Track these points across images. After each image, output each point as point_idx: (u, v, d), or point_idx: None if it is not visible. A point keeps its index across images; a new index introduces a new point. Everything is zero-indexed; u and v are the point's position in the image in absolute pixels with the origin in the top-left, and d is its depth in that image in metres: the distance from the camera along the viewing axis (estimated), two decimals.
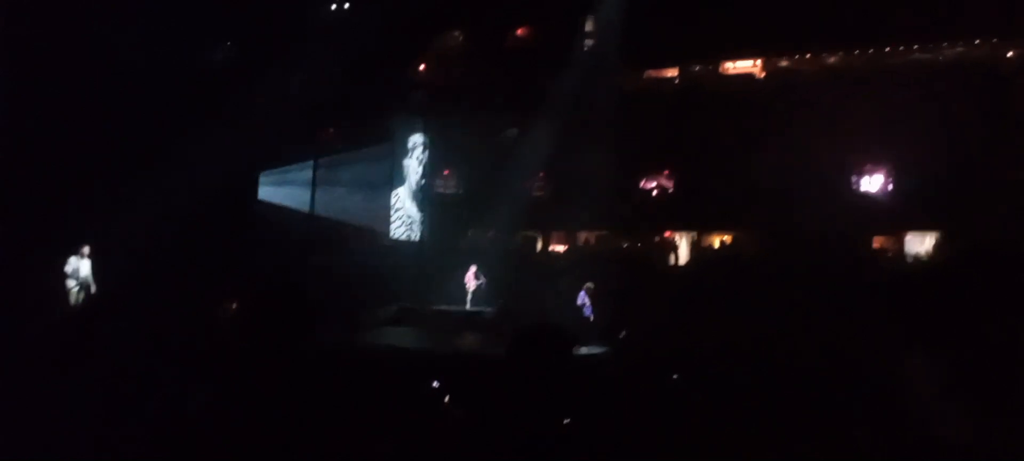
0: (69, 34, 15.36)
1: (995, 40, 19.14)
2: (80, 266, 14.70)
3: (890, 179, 19.39)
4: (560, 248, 23.38)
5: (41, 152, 14.79)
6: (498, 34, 23.52)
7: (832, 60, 22.05)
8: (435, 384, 10.16)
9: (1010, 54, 19.40)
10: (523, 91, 21.64)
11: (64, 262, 14.55)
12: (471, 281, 18.98)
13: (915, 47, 20.77)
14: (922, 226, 18.43)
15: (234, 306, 12.47)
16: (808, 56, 22.31)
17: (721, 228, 21.36)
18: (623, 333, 14.67)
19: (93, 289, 14.63)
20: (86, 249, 14.75)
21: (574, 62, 22.44)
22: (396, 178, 21.87)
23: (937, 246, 17.74)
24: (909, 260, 17.95)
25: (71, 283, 14.51)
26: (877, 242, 19.40)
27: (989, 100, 17.52)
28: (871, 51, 21.17)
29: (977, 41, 19.70)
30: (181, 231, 15.34)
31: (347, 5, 22.50)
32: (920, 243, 18.47)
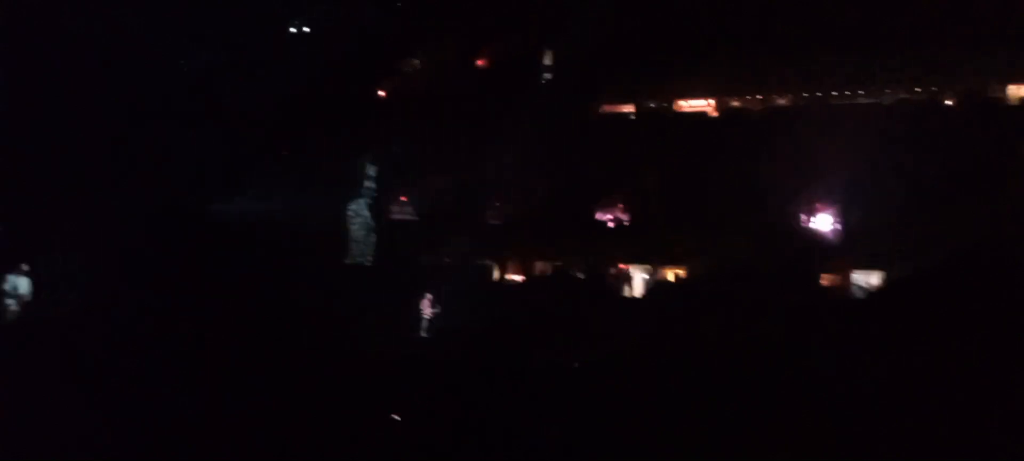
0: (48, 41, 15.21)
1: (937, 87, 20.08)
2: (18, 283, 14.38)
3: (838, 217, 19.97)
4: (517, 277, 23.39)
5: (20, 156, 14.58)
6: (460, 60, 23.71)
7: (782, 101, 22.79)
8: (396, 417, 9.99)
9: (949, 102, 20.35)
10: (481, 119, 21.76)
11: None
12: (427, 309, 18.79)
13: (860, 92, 21.61)
14: (868, 265, 18.98)
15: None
16: (759, 97, 23.03)
17: (676, 262, 21.65)
18: (576, 363, 14.65)
19: (31, 304, 14.25)
20: (25, 266, 14.48)
21: (532, 93, 22.71)
22: (354, 198, 21.70)
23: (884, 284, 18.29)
24: (858, 293, 18.45)
25: (10, 302, 14.12)
26: (825, 280, 19.86)
27: (937, 142, 18.29)
28: (819, 94, 21.97)
29: (918, 89, 20.65)
30: (150, 238, 15.13)
31: (309, 28, 22.48)
32: (867, 280, 19.00)
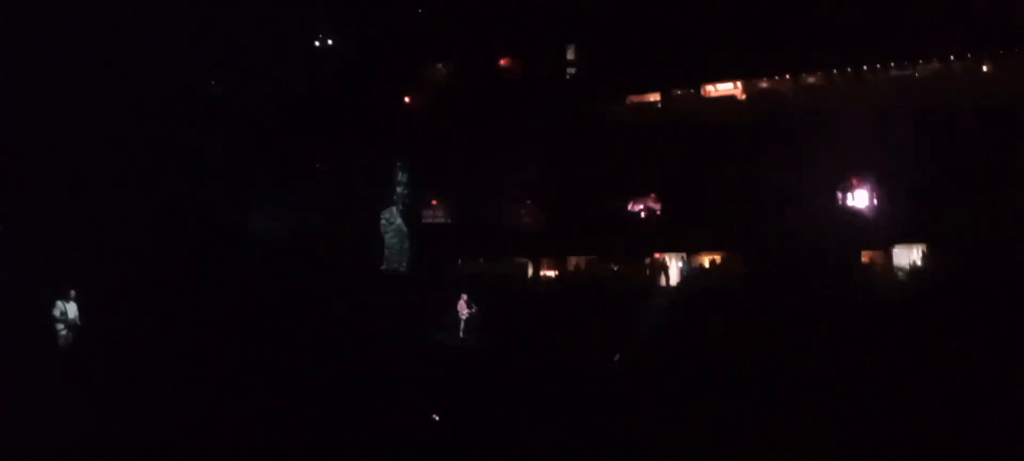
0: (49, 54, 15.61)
1: (970, 56, 19.56)
2: (68, 308, 14.57)
3: (875, 194, 19.59)
4: (551, 273, 23.41)
5: (30, 162, 15.00)
6: (484, 63, 23.76)
7: (811, 80, 22.40)
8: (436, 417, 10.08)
9: (986, 69, 19.82)
10: (509, 120, 21.79)
11: (51, 304, 14.43)
12: (463, 310, 18.93)
13: (892, 65, 21.13)
14: (909, 239, 18.63)
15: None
16: (787, 77, 22.66)
17: (710, 248, 21.47)
18: (617, 356, 14.62)
19: (80, 328, 14.50)
20: (73, 292, 14.67)
21: (559, 90, 22.66)
22: (384, 208, 21.88)
23: (925, 259, 17.97)
24: (899, 274, 18.16)
25: (60, 327, 14.35)
26: (866, 256, 19.55)
27: (968, 113, 17.86)
28: (849, 70, 21.55)
29: (953, 57, 20.13)
30: (165, 249, 15.49)
31: (332, 40, 22.72)
32: (907, 256, 18.68)
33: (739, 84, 23.24)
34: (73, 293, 14.60)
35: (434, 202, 23.98)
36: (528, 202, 23.23)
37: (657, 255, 22.11)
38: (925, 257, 18.13)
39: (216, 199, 16.93)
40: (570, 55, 24.30)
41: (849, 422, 7.06)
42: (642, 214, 23.02)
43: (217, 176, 16.73)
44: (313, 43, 22.83)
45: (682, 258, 22.19)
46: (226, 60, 19.44)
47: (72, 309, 14.60)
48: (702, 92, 23.70)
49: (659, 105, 24.11)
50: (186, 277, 14.93)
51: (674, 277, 21.82)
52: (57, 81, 15.48)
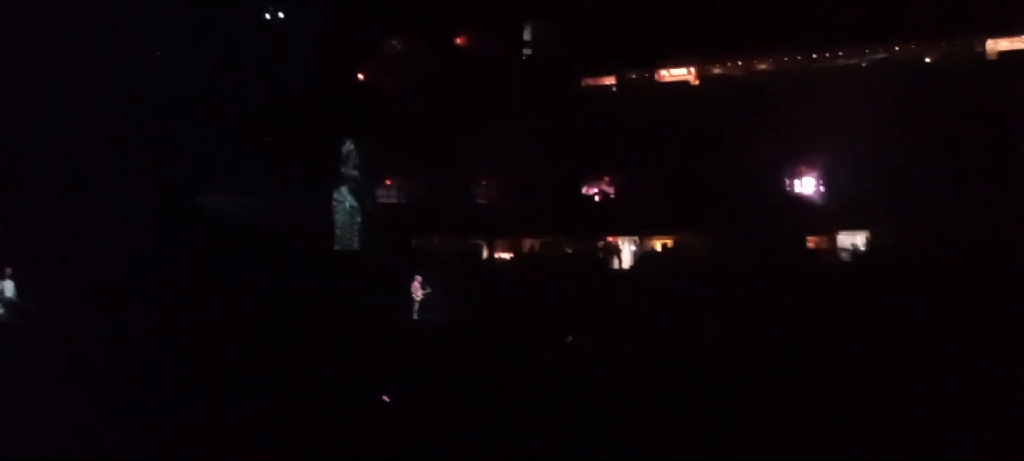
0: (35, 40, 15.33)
1: (918, 43, 20.06)
2: (4, 287, 14.38)
3: (821, 180, 20.01)
4: (506, 255, 23.43)
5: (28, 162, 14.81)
6: (440, 41, 23.52)
7: (762, 66, 22.72)
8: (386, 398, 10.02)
9: (928, 59, 20.37)
10: (464, 99, 21.66)
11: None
12: (418, 291, 18.87)
13: (840, 53, 21.54)
14: (854, 225, 19.13)
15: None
16: (739, 63, 22.93)
17: (662, 231, 21.74)
18: (570, 337, 14.75)
19: (18, 307, 14.29)
20: (8, 270, 14.52)
21: (515, 70, 22.61)
22: (336, 187, 21.63)
23: (869, 245, 18.50)
24: (844, 256, 18.66)
25: None
26: (811, 242, 20.00)
27: (917, 101, 18.34)
28: (798, 57, 21.92)
29: (897, 47, 20.62)
30: (136, 234, 15.31)
31: (283, 13, 22.19)
32: (850, 241, 19.20)
33: (692, 70, 23.42)
34: (8, 271, 14.44)
35: (388, 182, 23.76)
36: (484, 183, 23.19)
37: (610, 238, 22.31)
38: (868, 242, 18.68)
39: (198, 190, 16.77)
40: (527, 35, 24.21)
41: (825, 412, 7.17)
42: (596, 197, 23.19)
43: (200, 167, 16.53)
44: (263, 17, 22.29)
45: (635, 242, 22.44)
46: (205, 50, 19.03)
47: (9, 287, 14.43)
48: (656, 77, 23.86)
49: (614, 88, 24.24)
50: (174, 271, 14.88)
51: (627, 260, 22.06)
52: (56, 81, 15.29)
